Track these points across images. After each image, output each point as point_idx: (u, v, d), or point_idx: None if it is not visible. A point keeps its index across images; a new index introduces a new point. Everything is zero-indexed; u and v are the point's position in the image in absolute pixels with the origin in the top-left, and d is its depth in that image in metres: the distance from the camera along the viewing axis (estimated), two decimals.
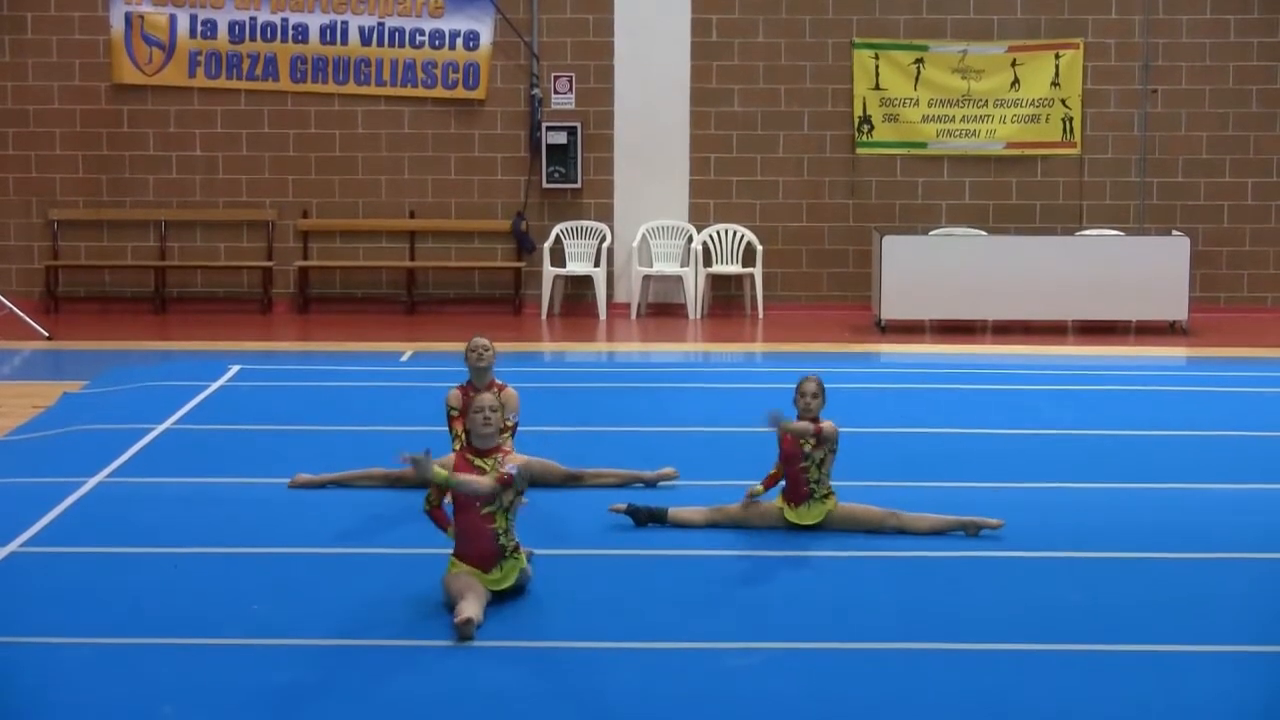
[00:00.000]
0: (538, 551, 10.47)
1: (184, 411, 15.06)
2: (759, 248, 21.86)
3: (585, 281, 21.81)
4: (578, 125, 21.86)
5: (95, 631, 9.40)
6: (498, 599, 9.77)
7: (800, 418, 11.34)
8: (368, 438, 14.13)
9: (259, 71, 21.98)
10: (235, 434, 14.34)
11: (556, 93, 21.99)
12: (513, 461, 9.82)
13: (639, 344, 20.17)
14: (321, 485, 12.41)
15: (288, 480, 12.46)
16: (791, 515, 11.40)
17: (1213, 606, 9.97)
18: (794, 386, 11.47)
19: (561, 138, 21.86)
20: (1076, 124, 22.00)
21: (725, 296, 22.25)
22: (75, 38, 21.90)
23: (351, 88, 22.03)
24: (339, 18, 21.93)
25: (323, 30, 21.93)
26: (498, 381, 12.14)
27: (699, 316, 21.80)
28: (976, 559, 10.83)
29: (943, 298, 20.75)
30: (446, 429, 12.09)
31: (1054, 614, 9.79)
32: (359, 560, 10.76)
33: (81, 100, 21.96)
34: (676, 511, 11.51)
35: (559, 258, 21.91)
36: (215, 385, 16.29)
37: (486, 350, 12.05)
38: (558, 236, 21.97)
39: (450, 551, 9.92)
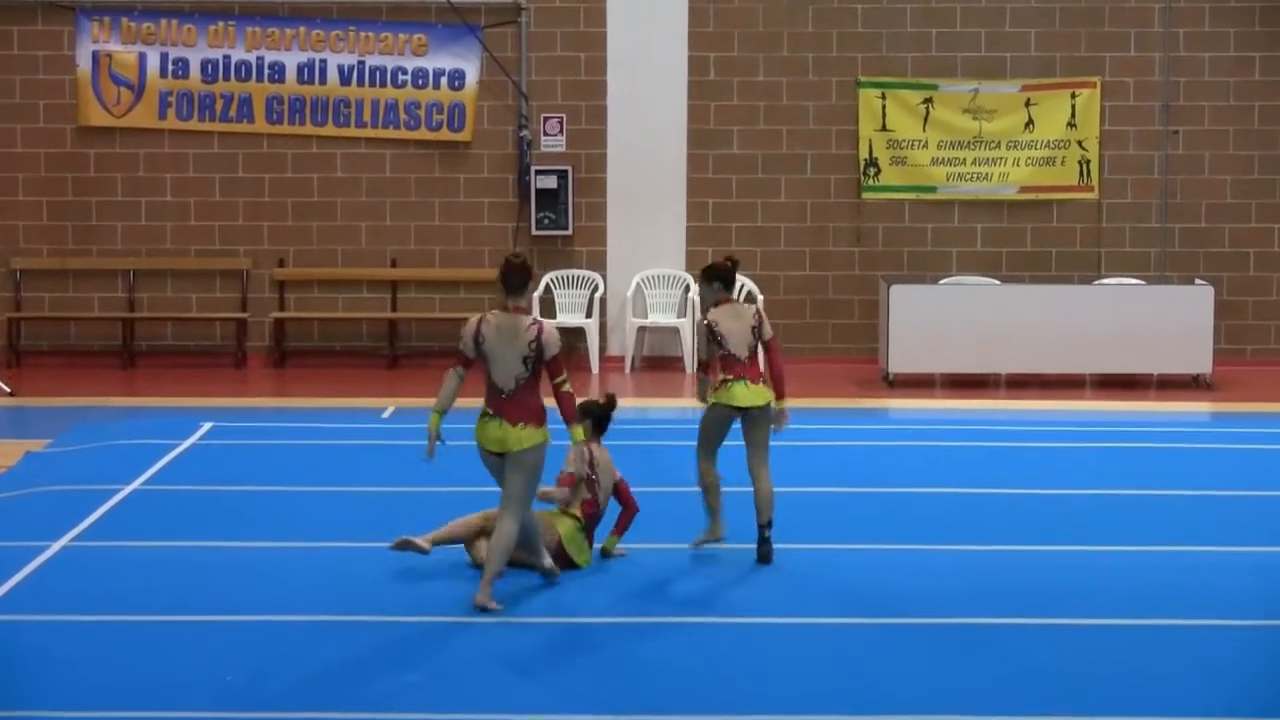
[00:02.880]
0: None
1: (153, 471, 15.10)
2: (760, 297, 21.92)
3: (577, 333, 21.87)
4: (569, 169, 21.97)
5: (60, 704, 9.40)
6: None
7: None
8: (347, 499, 14.17)
9: (233, 113, 22.08)
10: (207, 495, 14.37)
11: (546, 134, 22.10)
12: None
13: (634, 399, 20.20)
14: (425, 550, 12.09)
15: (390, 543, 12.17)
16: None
17: (1241, 676, 9.99)
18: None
19: (551, 182, 21.96)
20: (1094, 167, 22.12)
21: None
22: (39, 77, 22.02)
23: (330, 129, 22.14)
24: (317, 56, 22.05)
25: (300, 69, 22.05)
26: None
27: (697, 370, 21.81)
28: (988, 626, 10.86)
29: (954, 350, 20.81)
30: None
31: (1070, 683, 9.81)
32: (337, 628, 10.78)
33: (46, 143, 22.06)
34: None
35: (549, 308, 21.98)
36: (186, 443, 16.32)
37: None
38: (548, 286, 22.06)
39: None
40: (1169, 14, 21.95)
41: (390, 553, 12.13)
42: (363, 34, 22.03)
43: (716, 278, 12.55)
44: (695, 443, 12.56)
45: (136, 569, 12.11)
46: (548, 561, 11.62)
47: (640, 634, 10.70)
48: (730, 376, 12.38)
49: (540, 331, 11.16)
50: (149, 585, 11.69)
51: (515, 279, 11.23)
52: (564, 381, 11.22)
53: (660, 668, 10.03)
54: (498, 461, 11.26)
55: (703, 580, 11.91)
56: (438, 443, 11.37)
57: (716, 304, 12.53)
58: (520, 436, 11.14)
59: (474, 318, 11.34)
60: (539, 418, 11.20)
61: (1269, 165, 22.06)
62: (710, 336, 12.44)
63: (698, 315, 21.86)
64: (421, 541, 11.94)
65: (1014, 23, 22.00)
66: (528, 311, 11.38)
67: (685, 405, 19.79)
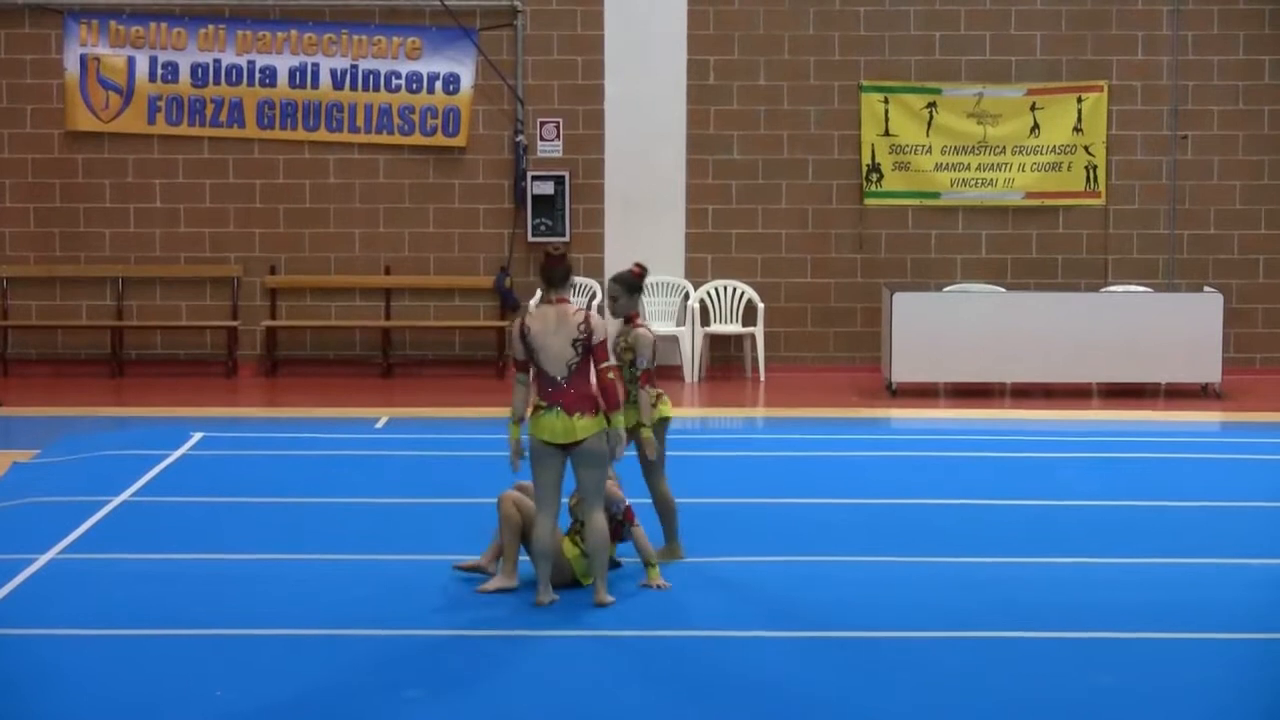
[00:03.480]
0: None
1: (143, 482, 15.07)
2: (760, 306, 21.91)
3: None
4: (565, 174, 21.95)
5: (50, 718, 9.38)
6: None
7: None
8: (340, 510, 14.14)
9: (223, 117, 22.06)
10: (197, 506, 14.34)
11: (543, 139, 22.09)
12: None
13: None
14: (483, 570, 12.07)
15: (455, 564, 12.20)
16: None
17: (1258, 692, 9.96)
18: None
19: (548, 187, 21.94)
20: (1101, 172, 22.10)
21: (724, 358, 22.30)
22: (26, 82, 22.00)
23: (323, 134, 22.12)
24: (309, 60, 22.03)
25: (292, 73, 22.03)
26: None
27: (696, 379, 21.85)
28: (996, 640, 10.83)
29: (958, 359, 20.78)
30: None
31: (1079, 699, 9.78)
32: (331, 642, 10.74)
33: (33, 149, 22.04)
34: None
35: None
36: (176, 454, 16.29)
37: None
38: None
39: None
40: (1177, 16, 21.93)
41: (384, 564, 12.11)
42: (356, 37, 22.01)
43: (638, 289, 12.52)
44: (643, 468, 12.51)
45: (125, 581, 12.07)
46: (548, 596, 11.52)
47: (638, 648, 10.67)
48: (662, 390, 12.61)
49: (588, 316, 11.52)
50: (138, 598, 11.66)
51: (557, 272, 11.57)
52: (609, 368, 11.54)
53: (657, 682, 9.99)
54: (557, 455, 11.40)
55: (708, 593, 11.85)
56: (521, 458, 11.53)
57: (629, 319, 12.43)
58: (582, 425, 11.37)
59: (514, 321, 11.69)
60: (595, 406, 11.46)
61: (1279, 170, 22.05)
62: (654, 351, 12.44)
63: (697, 324, 21.86)
64: (484, 563, 12.08)
65: (1019, 25, 21.99)
66: (569, 302, 11.61)
67: (683, 414, 19.78)
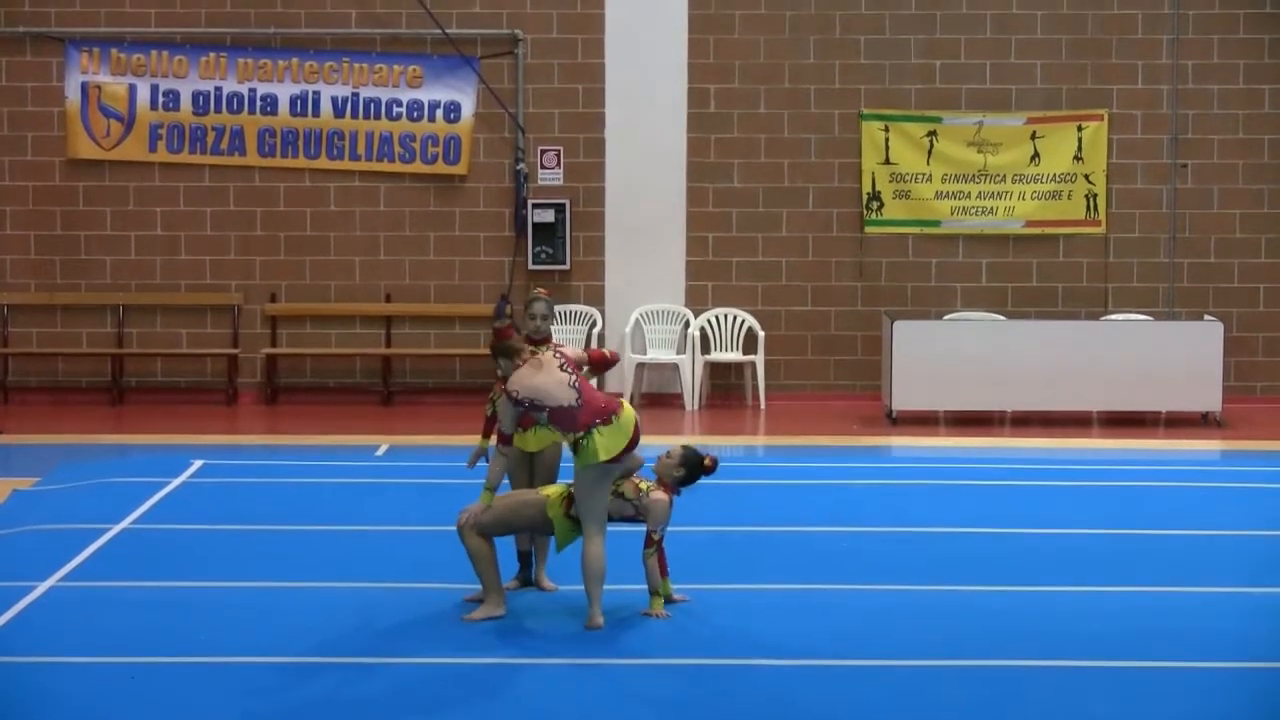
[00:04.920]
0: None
1: (143, 510, 15.07)
2: (761, 334, 21.95)
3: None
4: (566, 202, 22.00)
5: None
6: None
7: (530, 340, 12.04)
8: (340, 538, 14.15)
9: (224, 145, 22.11)
10: (197, 534, 14.35)
11: (544, 167, 22.14)
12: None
13: None
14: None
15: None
16: (519, 440, 12.14)
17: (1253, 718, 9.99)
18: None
19: (549, 215, 21.99)
20: (1101, 201, 22.15)
21: (725, 386, 22.33)
22: (28, 109, 22.05)
23: (324, 162, 22.17)
24: (310, 87, 22.08)
25: (293, 101, 22.09)
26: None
27: (696, 407, 21.87)
28: (994, 668, 10.84)
29: (958, 387, 20.81)
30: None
31: None
32: (330, 669, 10.75)
33: (34, 176, 22.09)
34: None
35: None
36: (176, 482, 16.31)
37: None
38: None
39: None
40: (1177, 45, 22.00)
41: (385, 592, 12.13)
42: (357, 65, 22.07)
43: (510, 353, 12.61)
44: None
45: (125, 609, 12.08)
46: (599, 619, 11.61)
47: (633, 676, 10.69)
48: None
49: (556, 347, 11.77)
50: (138, 626, 11.67)
51: (507, 345, 11.81)
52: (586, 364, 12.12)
53: (655, 707, 10.01)
54: (611, 471, 11.62)
55: (707, 621, 11.86)
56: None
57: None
58: (616, 426, 11.55)
59: (496, 395, 12.07)
60: (609, 410, 11.59)
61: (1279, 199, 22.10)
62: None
63: (697, 351, 21.89)
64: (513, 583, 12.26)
65: (1019, 54, 22.05)
66: (532, 354, 11.78)
67: (685, 441, 19.75)
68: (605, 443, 11.48)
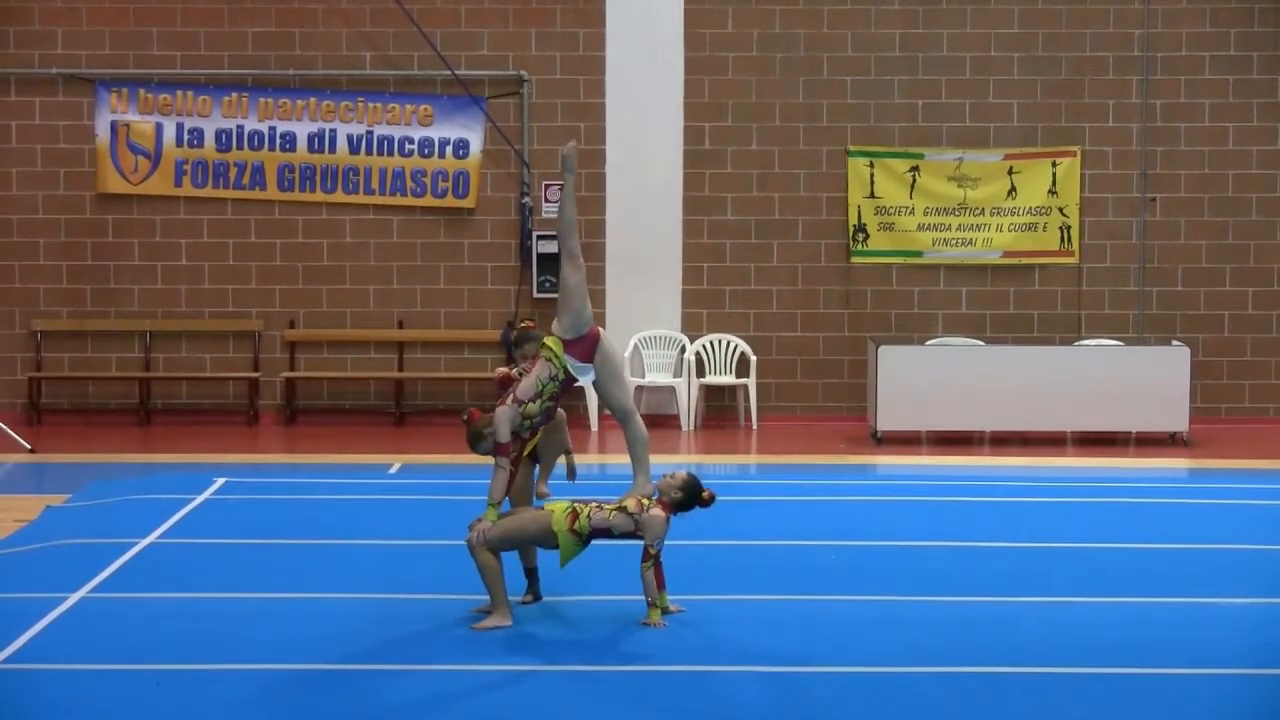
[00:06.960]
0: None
1: (169, 525, 15.05)
2: (753, 358, 21.95)
3: (576, 392, 21.82)
4: None
5: None
6: None
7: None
8: (356, 551, 14.14)
9: (246, 180, 22.13)
10: (221, 548, 14.33)
11: (548, 201, 22.14)
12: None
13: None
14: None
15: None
16: None
17: None
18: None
19: (553, 246, 21.92)
20: (1074, 232, 22.16)
21: (719, 407, 22.32)
22: (60, 146, 22.07)
23: (340, 196, 22.18)
24: (327, 126, 22.10)
25: (311, 139, 22.10)
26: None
27: (692, 428, 21.86)
28: (979, 675, 10.82)
29: (939, 409, 20.81)
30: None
31: None
32: (354, 677, 10.73)
33: (66, 210, 22.10)
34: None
35: None
36: (200, 498, 16.29)
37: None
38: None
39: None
40: (1147, 86, 22.02)
41: (399, 603, 12.11)
42: (371, 105, 22.09)
43: (531, 339, 12.81)
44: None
45: (152, 620, 12.06)
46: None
47: (628, 683, 10.67)
48: None
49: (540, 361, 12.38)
50: (164, 636, 11.65)
51: (521, 339, 12.65)
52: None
53: (649, 713, 9.99)
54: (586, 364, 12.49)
55: (702, 630, 11.84)
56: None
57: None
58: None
59: (500, 409, 12.48)
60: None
61: (1243, 231, 22.11)
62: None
63: (693, 375, 21.88)
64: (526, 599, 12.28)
65: (997, 94, 22.08)
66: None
67: (681, 463, 19.78)
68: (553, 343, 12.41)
